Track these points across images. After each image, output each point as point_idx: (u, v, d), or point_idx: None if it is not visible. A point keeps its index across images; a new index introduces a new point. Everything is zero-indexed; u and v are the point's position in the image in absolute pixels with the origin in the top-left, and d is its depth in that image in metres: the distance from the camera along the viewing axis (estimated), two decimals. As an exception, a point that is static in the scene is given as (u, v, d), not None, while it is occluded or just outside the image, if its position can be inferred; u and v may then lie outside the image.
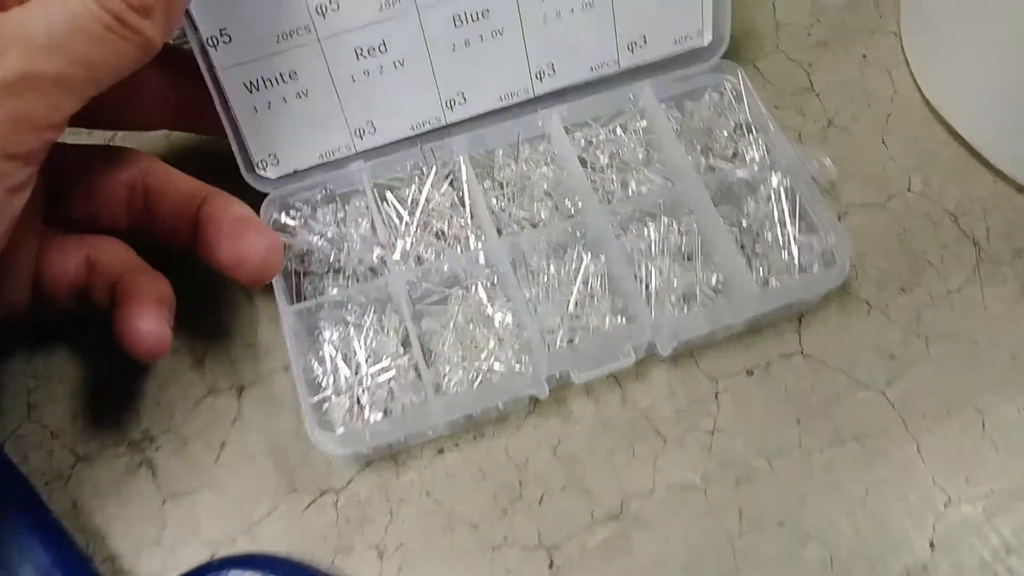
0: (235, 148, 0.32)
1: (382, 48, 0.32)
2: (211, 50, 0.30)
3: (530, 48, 0.33)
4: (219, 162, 0.32)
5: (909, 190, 0.35)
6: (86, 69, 0.25)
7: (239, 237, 0.29)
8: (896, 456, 0.29)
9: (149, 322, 0.28)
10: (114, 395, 0.31)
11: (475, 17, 0.32)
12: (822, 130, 0.36)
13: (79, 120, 0.27)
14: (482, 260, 0.31)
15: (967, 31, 0.34)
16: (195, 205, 0.30)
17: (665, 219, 0.31)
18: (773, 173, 0.32)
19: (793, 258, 0.30)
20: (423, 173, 0.33)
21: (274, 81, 0.31)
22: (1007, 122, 0.34)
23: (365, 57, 0.32)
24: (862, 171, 0.35)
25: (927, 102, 0.37)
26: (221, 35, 0.30)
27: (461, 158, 0.33)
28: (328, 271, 0.31)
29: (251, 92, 0.31)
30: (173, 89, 0.32)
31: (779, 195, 0.31)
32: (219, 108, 0.31)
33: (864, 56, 0.38)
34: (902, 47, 0.38)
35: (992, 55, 0.33)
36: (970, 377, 0.31)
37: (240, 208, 0.30)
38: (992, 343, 0.31)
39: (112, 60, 0.25)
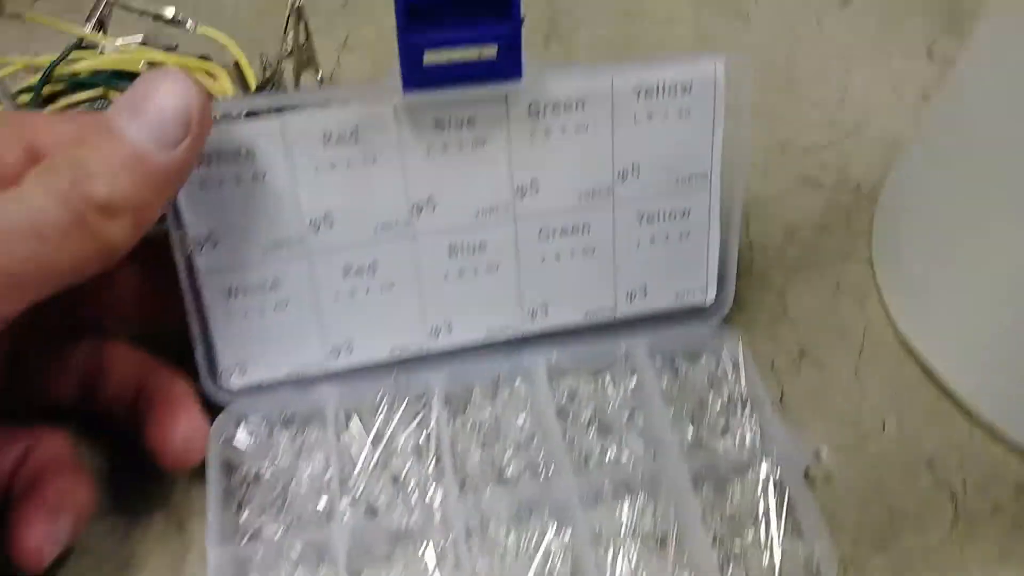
0: (199, 354, 0.30)
1: (372, 269, 0.31)
2: (196, 252, 0.29)
3: (524, 286, 0.32)
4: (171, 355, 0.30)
5: (883, 432, 0.33)
6: (37, 269, 0.23)
7: (166, 422, 0.28)
8: None
9: (36, 530, 0.26)
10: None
11: (472, 250, 0.31)
12: (795, 361, 0.35)
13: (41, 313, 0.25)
14: (438, 519, 0.28)
15: (939, 268, 0.33)
16: (139, 382, 0.29)
17: (642, 497, 0.29)
18: (764, 461, 0.30)
19: (774, 567, 0.27)
20: (393, 405, 0.31)
21: (255, 290, 0.30)
22: (982, 365, 0.32)
23: (353, 276, 0.31)
24: (835, 409, 0.33)
25: (900, 336, 0.35)
26: (209, 238, 0.29)
27: (436, 397, 0.31)
28: (271, 504, 0.29)
29: (229, 299, 0.30)
30: (151, 287, 0.30)
31: (767, 487, 0.29)
32: (190, 311, 0.30)
33: (837, 284, 0.37)
34: (874, 277, 0.37)
35: (965, 295, 0.32)
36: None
37: (177, 388, 0.29)
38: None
39: (69, 262, 0.23)
